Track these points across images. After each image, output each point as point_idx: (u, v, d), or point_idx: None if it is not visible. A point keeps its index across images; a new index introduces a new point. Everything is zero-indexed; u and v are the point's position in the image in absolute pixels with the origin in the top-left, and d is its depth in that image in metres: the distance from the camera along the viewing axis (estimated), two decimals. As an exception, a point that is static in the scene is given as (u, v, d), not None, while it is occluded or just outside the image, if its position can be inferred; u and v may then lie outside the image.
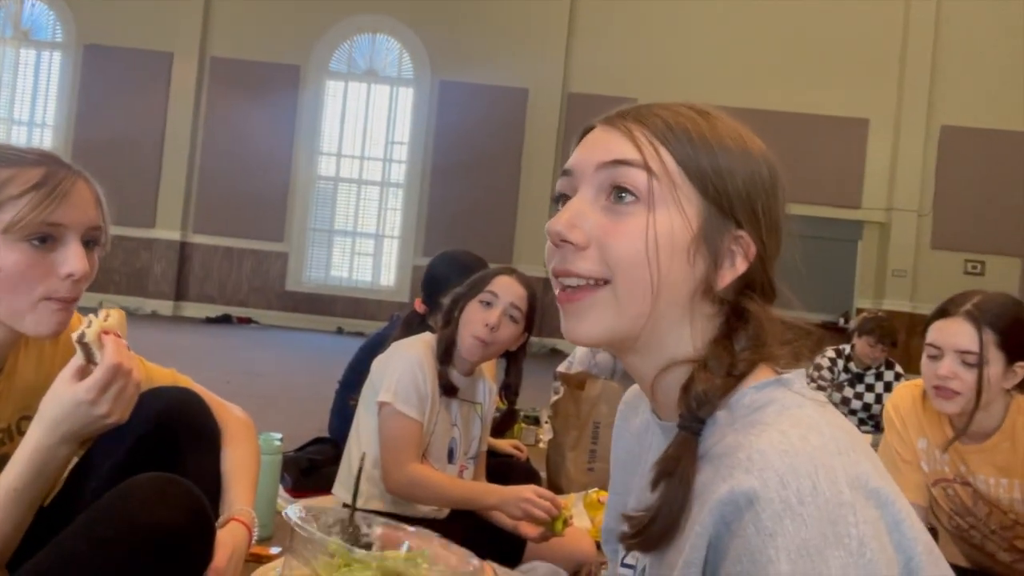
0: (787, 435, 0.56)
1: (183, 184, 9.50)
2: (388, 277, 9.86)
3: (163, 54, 9.49)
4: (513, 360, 1.82)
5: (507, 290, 1.72)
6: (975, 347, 1.43)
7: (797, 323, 0.66)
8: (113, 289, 9.14)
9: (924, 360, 1.52)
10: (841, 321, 8.18)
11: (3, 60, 9.86)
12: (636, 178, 0.62)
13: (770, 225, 0.65)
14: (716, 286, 0.64)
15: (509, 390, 1.85)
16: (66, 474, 1.07)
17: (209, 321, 9.14)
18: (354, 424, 1.78)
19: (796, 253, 0.69)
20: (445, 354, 1.72)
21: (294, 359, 6.50)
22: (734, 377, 0.61)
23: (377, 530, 0.93)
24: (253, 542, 1.07)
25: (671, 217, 0.62)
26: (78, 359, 0.88)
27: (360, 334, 7.98)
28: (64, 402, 0.87)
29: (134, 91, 9.48)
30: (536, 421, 3.67)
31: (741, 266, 0.64)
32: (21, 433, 1.01)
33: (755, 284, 0.65)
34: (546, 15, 9.48)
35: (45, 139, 9.63)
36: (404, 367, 1.67)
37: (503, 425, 1.93)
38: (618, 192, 0.62)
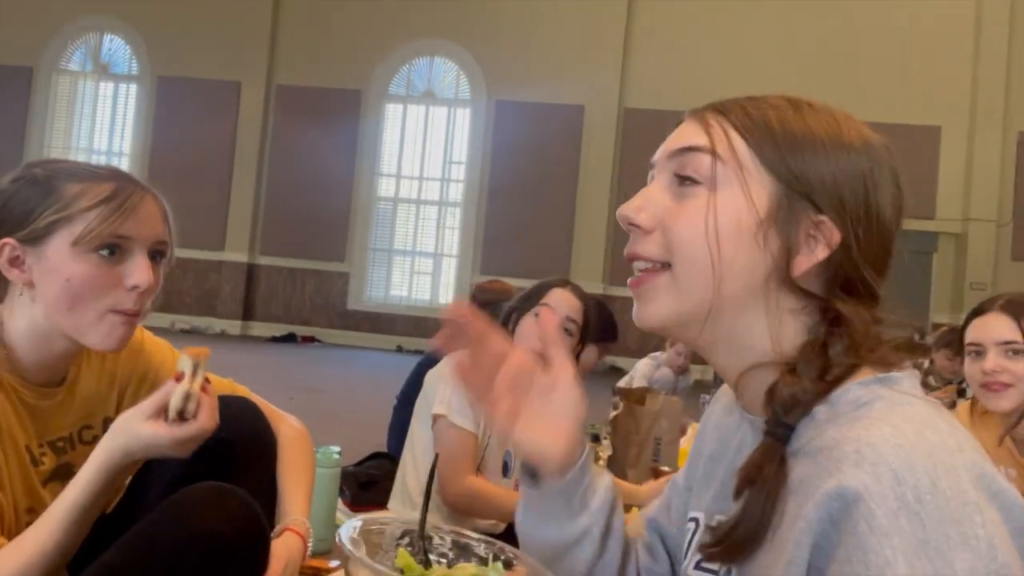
0: (901, 429, 0.52)
1: (250, 208, 9.84)
2: (447, 295, 9.95)
3: (231, 83, 9.89)
4: None
5: (562, 303, 1.69)
6: (1017, 336, 1.46)
7: (900, 324, 0.63)
8: (184, 310, 9.49)
9: (967, 363, 1.53)
10: (916, 337, 7.82)
11: (84, 93, 10.46)
12: (702, 162, 0.62)
13: (863, 216, 0.62)
14: (792, 272, 0.61)
15: None
16: (128, 481, 1.09)
17: (274, 340, 9.39)
18: (408, 438, 1.77)
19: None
20: None
21: (354, 376, 6.60)
22: (827, 382, 0.59)
23: (448, 540, 0.91)
24: (309, 553, 1.07)
25: (735, 199, 0.61)
26: (163, 400, 0.88)
27: (419, 352, 8.06)
28: (143, 440, 0.88)
29: (205, 119, 9.90)
30: (595, 438, 3.60)
31: (821, 253, 0.61)
32: (83, 442, 1.03)
33: (847, 281, 0.62)
34: (601, 31, 9.48)
35: (123, 168, 10.11)
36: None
37: None
38: (685, 176, 0.63)
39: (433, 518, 1.69)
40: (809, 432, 0.58)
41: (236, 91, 9.89)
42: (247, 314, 9.87)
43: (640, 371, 4.45)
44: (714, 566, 0.64)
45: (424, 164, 10.15)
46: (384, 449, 2.60)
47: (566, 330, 1.69)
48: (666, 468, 2.27)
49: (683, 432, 2.85)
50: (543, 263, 7.87)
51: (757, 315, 0.62)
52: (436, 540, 0.80)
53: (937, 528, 0.48)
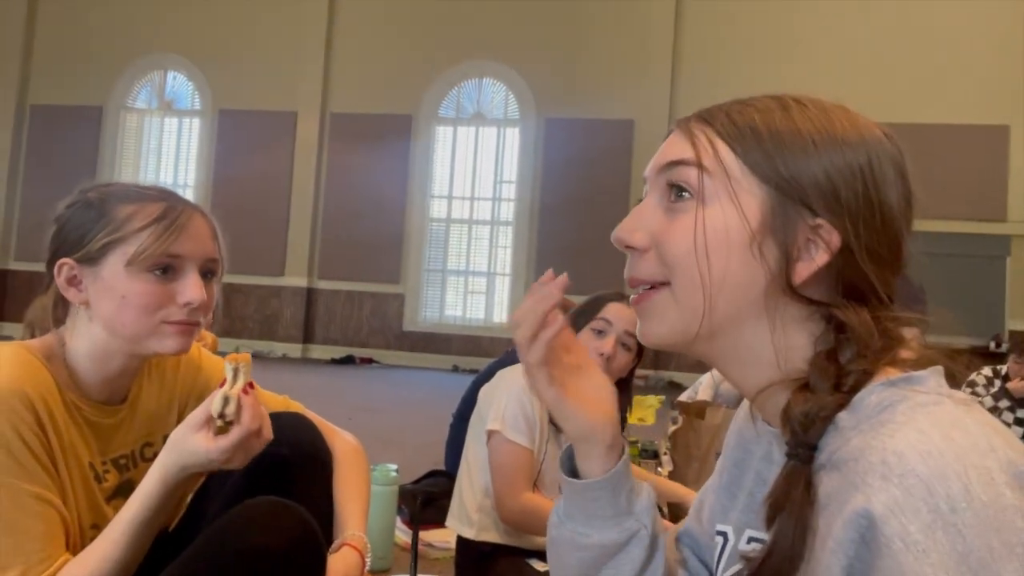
0: (927, 434, 0.49)
1: (308, 233, 10.08)
2: (501, 314, 9.96)
3: (288, 113, 10.20)
4: (620, 385, 1.75)
5: (620, 317, 1.65)
6: None
7: (913, 319, 0.59)
8: (247, 334, 9.75)
9: None
10: (992, 345, 7.46)
11: (150, 129, 10.94)
12: (689, 176, 0.61)
13: (864, 214, 0.58)
14: (793, 281, 0.58)
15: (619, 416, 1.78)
16: (189, 498, 1.11)
17: (334, 362, 9.55)
18: (464, 455, 1.76)
19: (933, 273, 0.62)
20: None
21: (411, 396, 6.65)
22: (843, 392, 0.55)
23: None
24: (367, 569, 1.06)
25: (724, 211, 0.59)
26: (207, 411, 0.89)
27: (475, 371, 8.08)
28: (196, 454, 0.89)
29: (263, 149, 10.22)
30: (655, 455, 3.53)
31: (822, 258, 0.58)
32: (144, 459, 1.05)
33: (853, 284, 0.59)
34: (649, 43, 9.45)
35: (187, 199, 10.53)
36: (511, 395, 1.63)
37: None
38: (674, 191, 0.62)
39: (491, 535, 1.68)
40: (835, 442, 0.54)
41: (292, 121, 10.20)
42: (307, 337, 10.08)
43: (704, 384, 4.35)
44: None
45: (475, 184, 10.24)
46: (442, 467, 2.60)
47: (624, 345, 1.66)
48: None
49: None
50: (597, 279, 7.78)
51: (761, 328, 0.59)
52: None
53: (977, 539, 0.45)
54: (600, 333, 1.65)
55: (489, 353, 9.29)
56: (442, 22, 10.01)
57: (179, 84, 10.84)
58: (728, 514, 0.68)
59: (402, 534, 2.27)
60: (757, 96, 0.64)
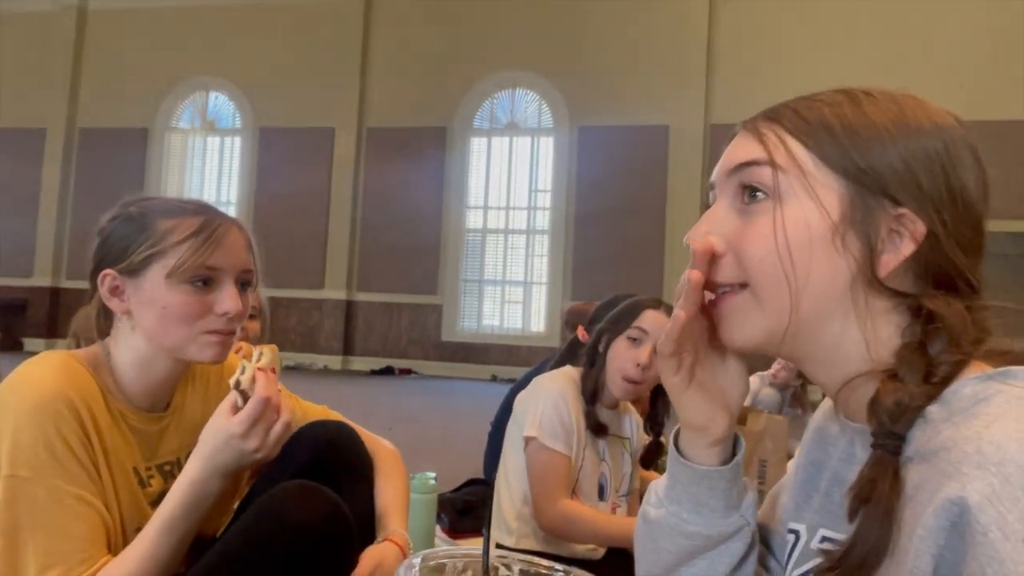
0: None
1: (347, 246, 10.22)
2: (538, 323, 9.95)
3: (326, 129, 10.38)
4: (659, 391, 1.73)
5: (657, 325, 1.63)
6: None
7: (1008, 308, 0.58)
8: (289, 347, 9.90)
9: None
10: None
11: (194, 148, 11.25)
12: (762, 176, 0.60)
13: (946, 199, 0.57)
14: (879, 272, 0.57)
15: (655, 422, 1.76)
16: (235, 505, 1.14)
17: (374, 373, 9.65)
18: (501, 462, 1.76)
19: (1012, 275, 0.61)
20: (592, 394, 1.66)
21: (450, 406, 6.68)
22: (934, 384, 0.54)
23: (516, 568, 0.89)
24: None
25: (802, 208, 0.58)
26: (233, 397, 0.95)
27: (513, 380, 8.07)
28: (219, 435, 0.93)
29: (302, 165, 10.42)
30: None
31: (907, 248, 0.57)
32: None
33: (940, 272, 0.58)
34: (683, 48, 9.39)
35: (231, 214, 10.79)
36: (547, 401, 1.63)
37: (649, 457, 1.82)
38: (748, 193, 0.61)
39: (530, 543, 1.67)
40: (923, 434, 0.53)
41: (330, 137, 10.38)
42: (347, 349, 10.20)
43: (744, 390, 4.29)
44: None
45: (510, 194, 10.28)
46: (481, 475, 2.61)
47: None
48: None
49: (791, 456, 2.70)
50: (634, 286, 7.73)
51: (847, 322, 0.59)
52: (503, 571, 0.77)
53: None
54: (635, 342, 1.63)
55: (527, 362, 9.28)
56: (474, 35, 10.10)
57: (221, 104, 11.13)
58: (801, 513, 0.67)
59: (442, 542, 2.28)
60: (822, 91, 0.63)
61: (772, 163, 0.60)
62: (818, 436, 0.70)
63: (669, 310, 1.69)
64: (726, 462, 0.66)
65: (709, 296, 0.64)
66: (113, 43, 11.24)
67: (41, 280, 10.85)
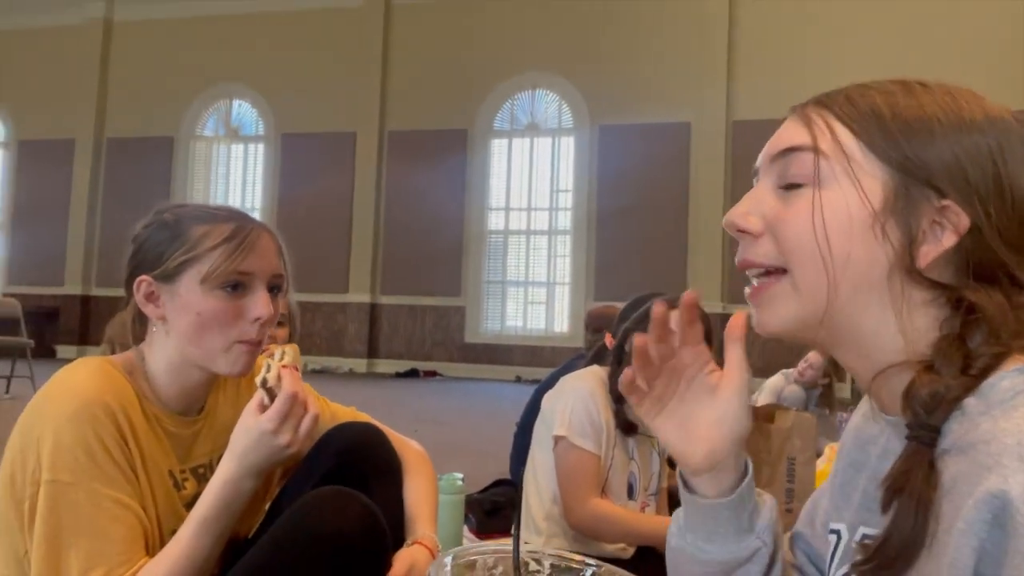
0: None
1: (370, 250, 10.29)
2: (561, 324, 9.94)
3: (347, 134, 10.47)
4: None
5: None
6: None
7: None
8: (315, 351, 9.99)
9: None
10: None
11: (218, 156, 11.41)
12: (805, 161, 0.60)
13: (993, 194, 0.57)
14: (919, 263, 0.57)
15: None
16: (267, 507, 1.15)
17: (398, 376, 9.70)
18: (529, 462, 1.76)
19: None
20: (621, 395, 1.65)
21: (475, 408, 6.69)
22: (972, 376, 0.54)
23: (547, 563, 0.89)
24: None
25: (843, 194, 0.58)
26: (259, 396, 0.96)
27: (537, 381, 8.07)
28: (250, 433, 0.95)
29: (325, 170, 10.51)
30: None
31: (949, 240, 0.56)
32: None
33: (982, 265, 0.57)
34: (703, 44, 9.32)
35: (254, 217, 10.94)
36: (575, 400, 1.63)
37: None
38: (789, 178, 0.61)
39: (559, 543, 1.67)
40: (960, 427, 0.53)
41: (352, 141, 10.45)
42: (371, 352, 10.27)
43: (768, 388, 4.24)
44: None
45: (531, 195, 10.28)
46: (507, 476, 2.61)
47: None
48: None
49: (819, 454, 2.67)
50: (658, 285, 7.70)
51: (884, 311, 0.58)
52: (533, 566, 0.77)
53: None
54: None
55: (551, 363, 9.26)
56: (493, 37, 10.12)
57: (244, 111, 11.27)
58: (842, 513, 0.67)
59: (470, 543, 2.29)
60: (879, 79, 0.63)
61: (816, 149, 0.59)
62: (857, 438, 0.69)
63: None
64: (730, 490, 0.65)
65: (747, 288, 0.64)
66: (138, 54, 11.43)
67: (72, 288, 11.06)
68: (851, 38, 8.72)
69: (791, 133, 0.62)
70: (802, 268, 0.59)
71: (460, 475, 1.99)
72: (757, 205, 0.62)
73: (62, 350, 10.38)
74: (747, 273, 0.63)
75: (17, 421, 0.94)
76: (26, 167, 11.73)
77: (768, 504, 0.68)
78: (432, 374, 9.80)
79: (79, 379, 0.95)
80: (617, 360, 1.68)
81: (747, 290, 0.64)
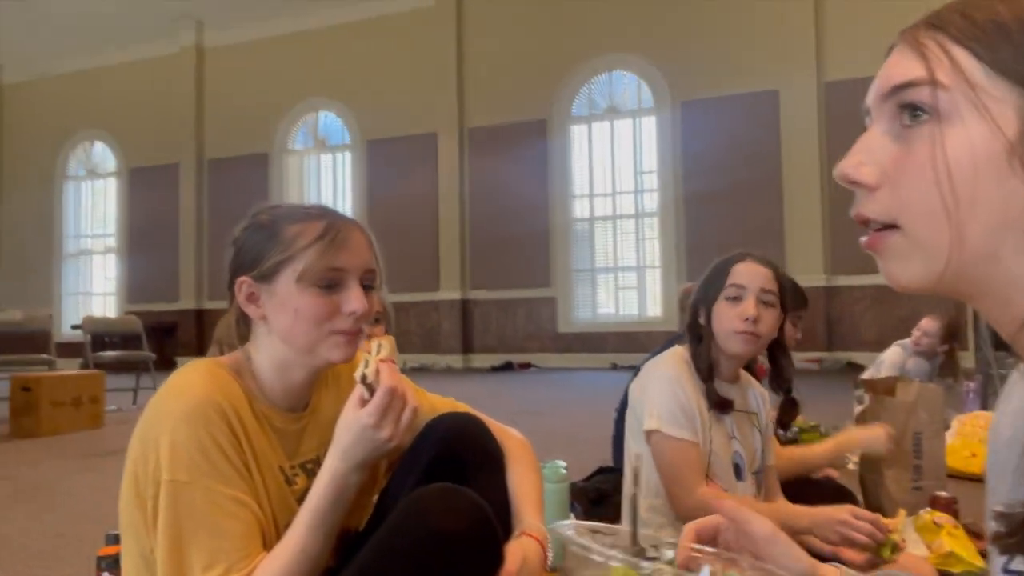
0: None
1: (458, 247, 10.43)
2: (655, 307, 9.76)
3: (429, 135, 10.64)
4: (775, 347, 1.63)
5: (752, 276, 1.56)
6: None
7: None
8: (411, 349, 10.23)
9: None
10: None
11: (309, 167, 11.86)
12: (921, 96, 0.53)
13: None
14: None
15: (782, 378, 1.66)
16: (375, 499, 1.16)
17: (494, 370, 9.79)
18: (625, 454, 1.70)
19: None
20: (708, 371, 1.58)
21: (572, 397, 6.66)
22: None
23: (667, 553, 0.85)
24: (549, 559, 1.06)
25: (969, 129, 0.51)
26: (359, 391, 0.97)
27: (633, 367, 7.94)
28: (352, 428, 0.95)
29: (409, 172, 10.74)
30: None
31: None
32: None
33: None
34: (787, 4, 8.88)
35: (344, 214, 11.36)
36: (662, 388, 1.56)
37: (785, 417, 1.70)
38: (907, 114, 0.54)
39: (666, 533, 1.61)
40: None
41: (434, 142, 10.62)
42: (466, 347, 10.41)
43: (888, 361, 3.98)
44: (1021, 566, 0.52)
45: (615, 179, 10.13)
46: (610, 463, 2.56)
47: (765, 303, 1.55)
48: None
49: (947, 427, 2.49)
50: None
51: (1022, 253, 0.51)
52: (649, 553, 0.74)
53: None
54: (736, 300, 1.55)
55: (645, 348, 9.08)
56: (564, 23, 10.02)
57: (330, 122, 11.66)
58: (997, 497, 0.60)
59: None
60: None
61: (934, 82, 0.52)
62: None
63: (760, 259, 1.60)
64: None
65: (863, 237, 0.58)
66: (229, 76, 12.01)
67: (187, 303, 11.78)
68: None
69: (903, 65, 0.55)
70: (919, 223, 0.53)
71: (563, 463, 1.96)
72: (871, 153, 0.56)
73: (181, 362, 10.99)
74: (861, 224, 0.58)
75: (136, 425, 0.98)
76: (136, 193, 12.58)
77: None
78: (527, 366, 9.84)
79: (190, 381, 0.98)
80: (697, 337, 1.61)
81: (863, 240, 0.58)
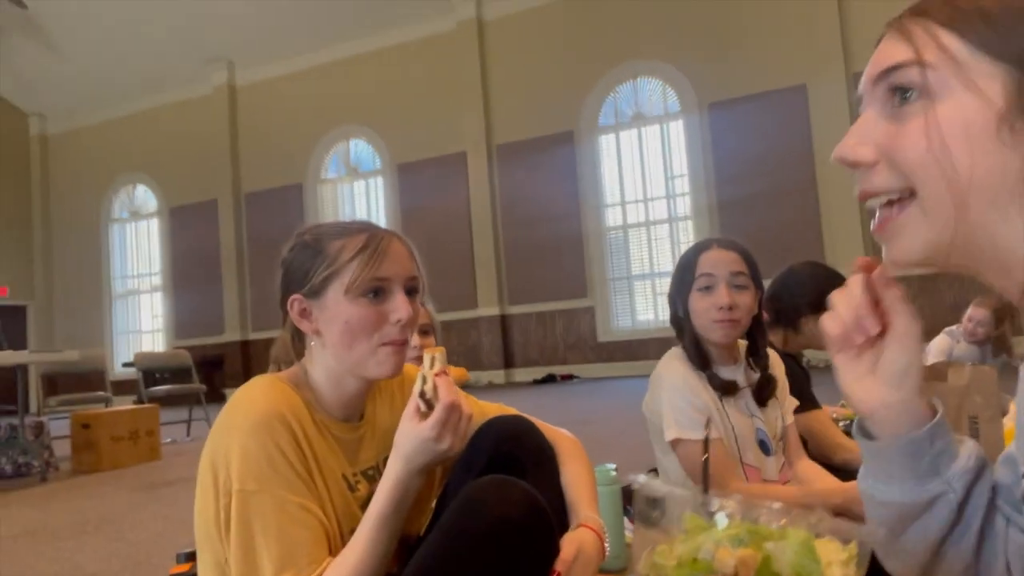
0: None
1: (493, 263, 10.49)
2: (695, 311, 9.66)
3: (458, 155, 10.76)
4: (753, 325, 1.64)
5: (719, 263, 1.57)
6: None
7: None
8: (454, 366, 10.27)
9: None
10: None
11: (343, 194, 12.08)
12: (911, 77, 0.56)
13: None
14: None
15: (757, 356, 1.66)
16: (433, 504, 1.19)
17: (536, 383, 9.80)
18: (659, 466, 1.71)
19: None
20: (702, 359, 1.59)
21: (617, 405, 6.63)
22: None
23: (731, 505, 0.86)
24: (607, 551, 1.08)
25: (960, 103, 0.54)
26: (415, 402, 1.01)
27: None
28: (413, 440, 0.99)
29: (441, 192, 10.86)
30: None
31: None
32: None
33: None
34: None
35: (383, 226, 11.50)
36: (671, 395, 1.58)
37: (762, 394, 1.67)
38: (898, 95, 0.57)
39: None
40: None
41: (463, 161, 10.74)
42: (507, 362, 10.44)
43: (936, 350, 3.91)
44: None
45: (646, 185, 10.10)
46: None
47: (737, 286, 1.55)
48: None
49: (1005, 411, 2.42)
50: (792, 258, 7.33)
51: (1020, 217, 0.53)
52: (712, 507, 0.75)
53: None
54: (708, 289, 1.57)
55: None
56: (585, 35, 10.08)
57: (361, 149, 11.88)
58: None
59: (631, 534, 2.26)
60: None
61: (920, 62, 0.56)
62: None
63: (724, 242, 1.60)
64: (906, 433, 0.63)
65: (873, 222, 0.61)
66: (261, 112, 12.34)
67: (232, 335, 12.04)
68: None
69: (891, 50, 0.58)
70: (927, 186, 0.55)
71: (612, 465, 1.97)
72: (866, 134, 0.59)
73: (228, 394, 11.27)
74: (867, 206, 0.60)
75: (206, 440, 1.03)
76: (178, 231, 12.95)
77: (968, 450, 0.64)
78: (569, 377, 9.82)
79: (255, 395, 1.02)
80: (680, 331, 1.62)
81: (872, 224, 0.61)
